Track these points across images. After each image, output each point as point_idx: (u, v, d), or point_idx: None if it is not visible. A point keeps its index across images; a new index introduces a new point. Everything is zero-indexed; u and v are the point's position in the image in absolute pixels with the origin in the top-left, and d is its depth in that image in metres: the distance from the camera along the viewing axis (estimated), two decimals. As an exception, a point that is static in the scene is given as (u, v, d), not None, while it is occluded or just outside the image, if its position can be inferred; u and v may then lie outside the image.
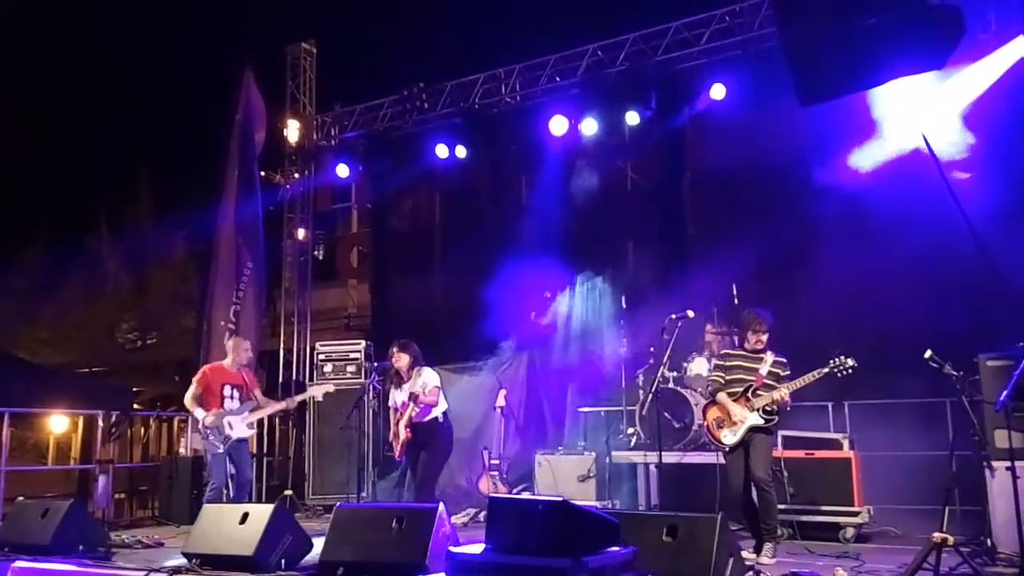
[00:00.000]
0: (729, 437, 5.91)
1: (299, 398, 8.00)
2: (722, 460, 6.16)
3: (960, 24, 5.57)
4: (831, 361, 5.73)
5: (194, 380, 7.38)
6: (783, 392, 5.77)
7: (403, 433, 6.85)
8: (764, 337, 5.96)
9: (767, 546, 5.74)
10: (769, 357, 5.96)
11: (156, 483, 10.11)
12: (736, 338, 6.24)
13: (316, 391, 8.06)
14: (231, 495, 7.34)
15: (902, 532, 6.96)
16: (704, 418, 6.22)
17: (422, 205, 11.57)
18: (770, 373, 5.92)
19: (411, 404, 6.84)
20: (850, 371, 5.69)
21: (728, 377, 6.06)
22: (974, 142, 7.55)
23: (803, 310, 7.51)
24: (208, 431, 7.18)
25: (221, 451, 7.20)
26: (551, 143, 10.13)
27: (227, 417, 7.22)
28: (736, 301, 7.93)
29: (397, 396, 7.07)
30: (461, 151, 10.62)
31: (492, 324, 10.01)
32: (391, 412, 7.14)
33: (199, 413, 7.20)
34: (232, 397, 7.34)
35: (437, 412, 6.94)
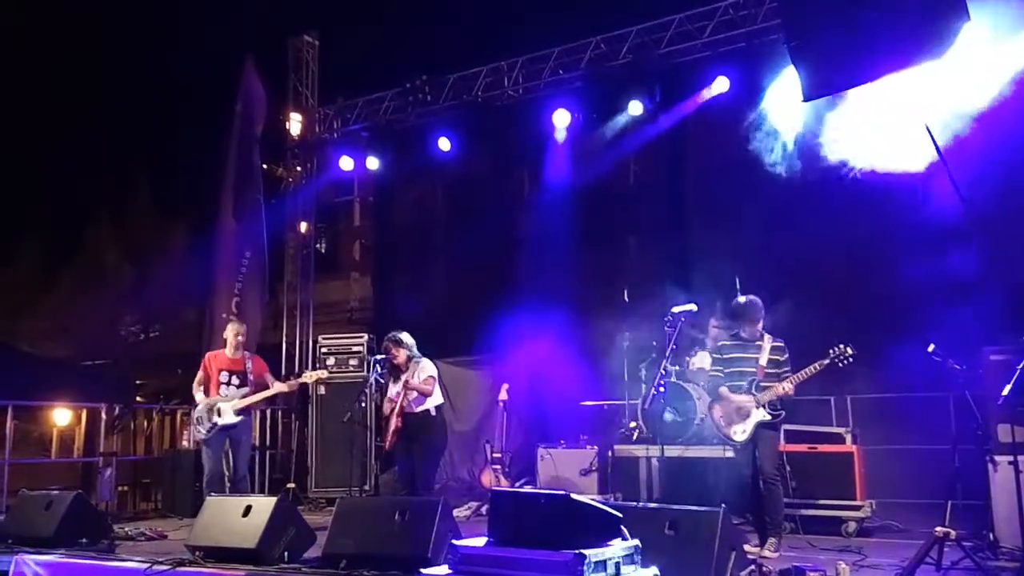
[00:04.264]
0: (740, 434, 5.92)
1: (298, 381, 7.97)
2: (728, 454, 6.19)
3: (963, 13, 5.54)
4: (831, 351, 5.76)
5: (200, 367, 7.55)
6: (787, 386, 5.80)
7: (395, 422, 6.82)
8: (759, 325, 6.01)
9: (771, 540, 5.76)
10: (767, 343, 5.98)
11: (159, 475, 10.14)
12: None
13: (309, 377, 7.95)
14: (228, 488, 7.38)
15: (904, 526, 6.95)
16: (710, 415, 6.23)
17: (424, 198, 11.55)
18: (770, 361, 5.94)
19: (403, 392, 6.81)
20: (851, 360, 5.71)
21: (728, 370, 6.06)
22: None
23: (806, 303, 7.49)
24: (197, 417, 7.29)
25: (203, 436, 7.27)
26: (554, 136, 10.11)
27: (219, 404, 7.29)
28: (739, 295, 7.93)
29: (393, 389, 7.05)
30: (464, 144, 10.60)
31: (495, 317, 10.00)
32: (386, 404, 7.13)
33: (198, 398, 7.38)
34: (229, 383, 7.39)
35: (430, 404, 6.87)
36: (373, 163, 11.21)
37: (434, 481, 7.14)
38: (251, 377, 7.45)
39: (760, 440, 5.88)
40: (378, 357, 7.15)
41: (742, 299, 6.14)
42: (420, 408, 6.84)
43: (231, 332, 7.60)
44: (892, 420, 7.35)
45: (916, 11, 5.81)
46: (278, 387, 7.59)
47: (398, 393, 6.88)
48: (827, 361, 5.76)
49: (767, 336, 6.02)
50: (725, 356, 6.13)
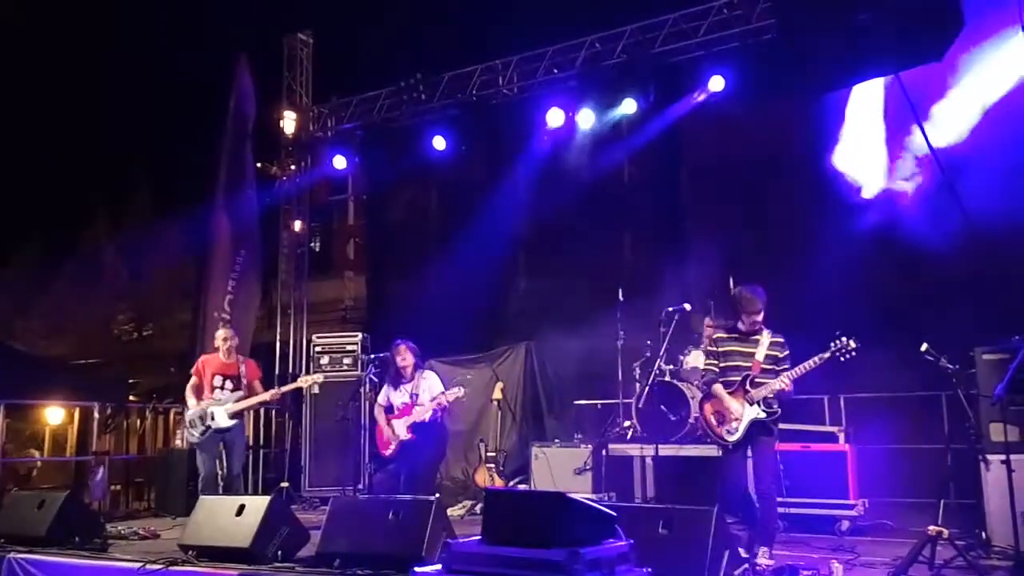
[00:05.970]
0: (731, 434, 5.51)
1: (284, 389, 8.01)
2: (719, 452, 6.00)
3: (959, 16, 5.57)
4: (832, 344, 5.37)
5: (192, 371, 7.55)
6: (784, 381, 5.41)
7: (404, 434, 6.91)
8: (759, 317, 5.56)
9: (763, 549, 5.38)
10: (765, 338, 5.56)
11: (152, 475, 10.11)
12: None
13: (303, 381, 7.99)
14: (222, 487, 7.37)
15: (897, 525, 6.97)
16: (701, 412, 5.83)
17: (419, 197, 11.56)
18: (768, 356, 5.53)
19: (426, 405, 6.95)
20: (853, 354, 5.33)
21: (723, 364, 5.64)
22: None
23: (799, 303, 7.50)
24: (190, 420, 7.29)
25: (196, 440, 7.28)
26: (548, 135, 10.11)
27: (211, 407, 7.29)
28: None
29: (395, 396, 7.12)
30: (458, 143, 10.60)
31: (489, 316, 10.01)
32: (378, 409, 7.19)
33: (190, 403, 7.37)
34: (223, 387, 7.40)
35: (437, 411, 7.08)
36: (368, 162, 11.15)
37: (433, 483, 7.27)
38: (244, 381, 7.46)
39: (756, 447, 5.51)
40: (372, 356, 7.20)
41: (744, 289, 5.65)
42: (433, 417, 7.03)
43: (220, 338, 7.64)
44: (885, 419, 7.37)
45: (911, 14, 5.83)
46: (266, 396, 7.58)
47: (406, 404, 6.99)
48: (827, 355, 5.38)
49: (766, 331, 5.59)
50: (720, 349, 5.68)
